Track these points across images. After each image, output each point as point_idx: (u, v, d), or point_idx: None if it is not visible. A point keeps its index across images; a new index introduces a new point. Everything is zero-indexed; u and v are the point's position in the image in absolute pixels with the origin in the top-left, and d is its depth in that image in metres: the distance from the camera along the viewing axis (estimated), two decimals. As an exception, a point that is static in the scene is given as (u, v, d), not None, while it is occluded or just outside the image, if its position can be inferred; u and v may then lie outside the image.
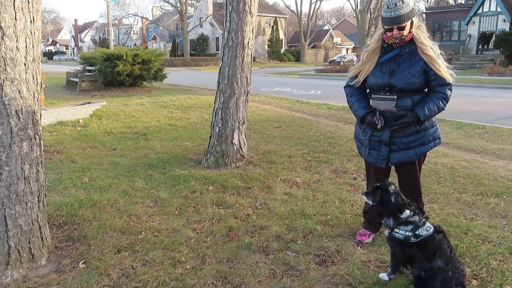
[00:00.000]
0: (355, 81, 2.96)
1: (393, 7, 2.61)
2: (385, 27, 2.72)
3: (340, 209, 3.74)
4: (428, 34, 2.81)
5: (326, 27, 66.35)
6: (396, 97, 2.76)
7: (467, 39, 28.22)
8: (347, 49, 61.53)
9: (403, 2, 2.60)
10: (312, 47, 54.94)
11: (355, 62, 3.17)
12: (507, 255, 2.89)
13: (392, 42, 2.78)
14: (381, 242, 3.10)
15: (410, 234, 2.43)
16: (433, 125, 2.90)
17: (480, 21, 27.88)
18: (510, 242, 3.06)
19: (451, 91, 2.79)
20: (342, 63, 35.51)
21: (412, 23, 2.70)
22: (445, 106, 2.80)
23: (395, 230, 2.49)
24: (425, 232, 2.41)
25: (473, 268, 2.73)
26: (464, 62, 25.25)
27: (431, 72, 2.74)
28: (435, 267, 2.33)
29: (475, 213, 3.64)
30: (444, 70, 2.72)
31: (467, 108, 10.23)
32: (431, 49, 2.71)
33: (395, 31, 2.68)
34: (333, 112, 9.62)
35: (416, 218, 2.47)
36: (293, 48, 56.23)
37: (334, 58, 42.05)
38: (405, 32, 2.69)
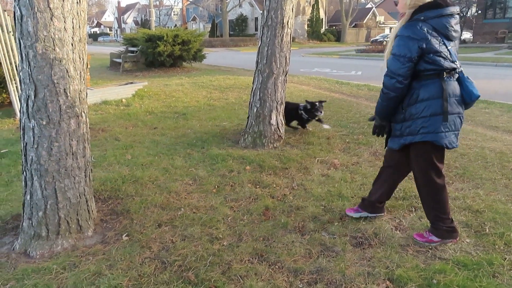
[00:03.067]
0: None
1: None
2: None
3: (378, 192, 3.67)
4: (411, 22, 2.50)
5: (368, 5, 63.94)
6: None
7: (523, 16, 26.37)
8: (390, 28, 59.18)
9: None
10: (353, 27, 53.30)
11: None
12: (557, 245, 2.75)
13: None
14: (421, 227, 3.04)
15: None
16: (411, 118, 2.61)
17: (538, -4, 25.91)
18: (561, 231, 2.91)
19: (389, 77, 2.55)
20: (384, 42, 34.28)
21: (406, 3, 2.54)
22: (385, 93, 2.60)
23: None
24: None
25: (520, 257, 2.62)
26: (519, 41, 23.65)
27: None
28: None
29: (524, 200, 3.47)
30: (387, 54, 2.59)
31: (519, 90, 9.65)
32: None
33: (395, 3, 2.67)
34: (374, 94, 9.36)
35: None
36: (334, 27, 54.74)
37: (377, 38, 40.60)
38: (398, 7, 2.62)
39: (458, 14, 2.52)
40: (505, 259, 2.61)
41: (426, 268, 2.53)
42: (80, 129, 2.87)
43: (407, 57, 2.47)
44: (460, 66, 2.59)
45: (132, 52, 15.60)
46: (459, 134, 2.67)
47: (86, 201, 3.02)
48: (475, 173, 4.11)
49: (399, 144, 2.73)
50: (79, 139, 2.87)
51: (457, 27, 2.53)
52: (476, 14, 31.99)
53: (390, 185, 3.09)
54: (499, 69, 14.72)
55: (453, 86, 2.56)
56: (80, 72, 2.82)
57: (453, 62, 2.54)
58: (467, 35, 34.30)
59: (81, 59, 2.82)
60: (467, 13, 34.77)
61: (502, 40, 26.70)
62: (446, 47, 2.50)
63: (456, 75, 2.60)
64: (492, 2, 29.70)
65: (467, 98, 2.59)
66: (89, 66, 8.96)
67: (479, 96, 2.60)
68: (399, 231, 3.01)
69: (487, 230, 2.98)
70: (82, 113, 2.88)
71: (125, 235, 2.99)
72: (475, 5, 31.77)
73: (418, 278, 2.43)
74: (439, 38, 2.47)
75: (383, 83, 2.61)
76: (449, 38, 2.51)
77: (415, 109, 2.58)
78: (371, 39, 42.29)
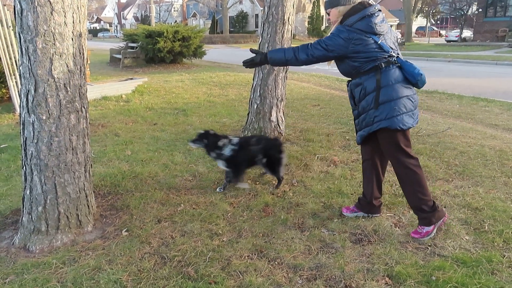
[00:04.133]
0: None
1: None
2: None
3: (378, 189, 3.67)
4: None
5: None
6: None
7: (524, 14, 26.31)
8: (391, 26, 58.96)
9: None
10: (353, 24, 53.10)
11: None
12: (556, 243, 2.76)
13: None
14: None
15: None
16: (364, 111, 2.84)
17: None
18: (560, 229, 2.91)
19: (307, 47, 2.84)
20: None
21: (339, 11, 2.80)
22: (290, 54, 2.89)
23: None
24: None
25: (519, 255, 2.63)
26: (519, 39, 23.63)
27: None
28: None
29: (523, 198, 3.48)
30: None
31: (519, 89, 9.65)
32: None
33: (327, 15, 2.89)
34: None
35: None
36: (334, 25, 54.58)
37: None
38: (331, 17, 2.87)
39: (379, 10, 2.75)
40: (504, 256, 2.61)
41: (425, 265, 2.54)
42: (80, 124, 2.86)
43: (322, 46, 2.77)
44: (397, 54, 2.79)
45: (132, 48, 15.57)
46: (417, 114, 2.83)
47: (86, 196, 3.01)
48: (474, 170, 4.11)
49: (361, 136, 2.94)
50: (79, 134, 2.87)
51: (382, 22, 2.74)
52: (476, 12, 31.92)
53: (377, 177, 3.14)
54: (500, 68, 14.71)
55: (394, 73, 2.74)
56: (80, 67, 2.82)
57: (387, 52, 2.72)
58: (467, 33, 34.20)
59: (81, 54, 2.81)
60: (467, 11, 34.73)
61: (503, 38, 26.63)
62: (376, 42, 2.69)
63: (396, 63, 2.76)
64: (493, 1, 29.65)
65: (412, 79, 2.77)
66: (89, 62, 8.94)
67: (421, 74, 2.75)
68: (398, 228, 3.02)
69: (486, 227, 2.99)
70: (82, 108, 2.88)
71: (124, 230, 2.99)
72: (476, 3, 31.70)
73: (417, 274, 2.44)
74: (367, 36, 2.68)
75: (295, 48, 2.90)
76: (377, 34, 2.70)
77: (365, 103, 2.81)
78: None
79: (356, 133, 3.03)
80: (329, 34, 2.82)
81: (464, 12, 34.15)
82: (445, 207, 3.33)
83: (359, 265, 2.55)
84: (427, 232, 2.88)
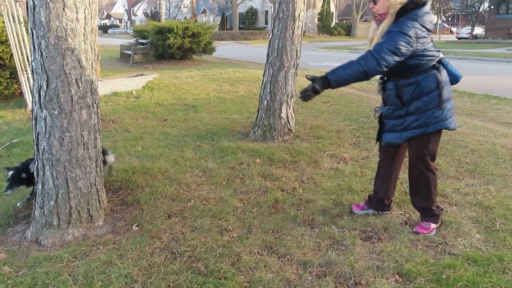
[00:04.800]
0: None
1: None
2: None
3: (388, 186, 3.65)
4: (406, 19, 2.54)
5: (380, -1, 63.15)
6: (381, 81, 2.82)
7: (537, 11, 25.84)
8: (401, 23, 58.36)
9: None
10: (364, 21, 52.70)
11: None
12: None
13: (374, 16, 2.74)
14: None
15: None
16: (418, 112, 2.68)
17: (554, -9, 25.37)
18: None
19: (373, 57, 2.49)
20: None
21: (391, 3, 2.55)
22: (360, 68, 2.52)
23: None
24: None
25: (532, 255, 2.60)
26: (532, 36, 23.23)
27: None
28: None
29: (536, 197, 3.43)
30: (381, 40, 2.56)
31: (533, 86, 9.50)
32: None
33: (371, 4, 2.65)
34: (384, 88, 9.28)
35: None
36: (344, 21, 54.27)
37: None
38: (378, 5, 2.62)
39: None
40: (517, 255, 2.59)
41: (436, 263, 2.52)
42: (91, 119, 2.89)
43: (392, 50, 2.47)
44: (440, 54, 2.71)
45: (142, 44, 15.63)
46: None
47: (97, 191, 3.04)
48: (486, 169, 4.07)
49: (404, 138, 2.80)
50: (91, 130, 2.89)
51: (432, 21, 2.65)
52: (488, 9, 31.43)
53: (395, 177, 3.12)
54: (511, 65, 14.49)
55: (445, 73, 2.70)
56: (92, 63, 2.83)
57: (438, 51, 2.66)
58: (479, 30, 33.70)
59: (93, 49, 2.83)
60: (479, 8, 34.21)
61: (516, 36, 26.22)
62: (431, 40, 2.62)
63: (442, 63, 2.71)
64: (506, -4, 29.20)
65: (454, 81, 2.76)
66: (99, 58, 9.00)
67: (461, 76, 2.79)
68: (408, 225, 2.99)
69: (498, 226, 2.95)
70: (94, 103, 2.90)
71: (135, 225, 3.01)
72: (488, 0, 31.22)
73: (427, 272, 2.42)
74: (426, 33, 2.56)
75: (364, 59, 2.53)
76: (430, 31, 2.61)
77: (422, 103, 2.67)
78: (382, 34, 41.73)
79: (384, 133, 2.91)
80: (380, 33, 2.59)
81: (475, 9, 33.65)
82: (455, 206, 3.30)
83: (369, 263, 2.55)
84: (434, 229, 2.92)
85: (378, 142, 3.10)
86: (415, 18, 2.51)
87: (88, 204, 2.96)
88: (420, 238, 2.82)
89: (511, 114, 6.60)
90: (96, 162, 2.99)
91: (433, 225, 2.92)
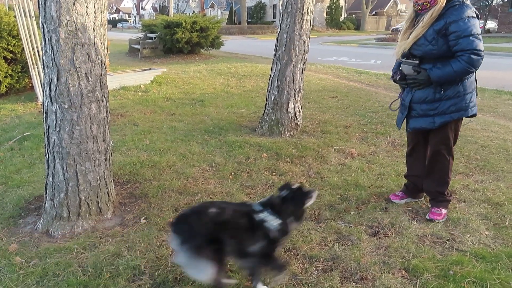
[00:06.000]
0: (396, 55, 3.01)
1: None
2: None
3: (396, 182, 3.64)
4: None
5: (390, -7, 62.52)
6: (417, 62, 2.78)
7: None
8: (412, 17, 57.57)
9: None
10: (373, 15, 52.23)
11: None
12: None
13: (416, 8, 2.76)
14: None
15: None
16: (458, 95, 2.75)
17: None
18: None
19: (477, 55, 2.57)
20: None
21: None
22: (467, 70, 2.61)
23: None
24: None
25: (540, 251, 2.58)
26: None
27: (451, 36, 2.60)
28: None
29: (546, 194, 3.40)
30: (466, 33, 2.57)
31: (545, 82, 9.35)
32: (453, 14, 2.59)
33: None
34: (393, 83, 9.18)
35: None
36: (353, 15, 53.72)
37: (397, 27, 39.53)
38: None
39: None
40: (525, 252, 2.57)
41: (443, 259, 2.52)
42: (100, 113, 2.91)
43: (480, 35, 2.61)
44: None
45: (151, 38, 15.67)
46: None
47: (106, 184, 3.08)
48: (496, 165, 4.03)
49: (438, 123, 2.82)
50: (100, 123, 2.92)
51: None
52: (501, 2, 30.91)
53: (425, 160, 3.17)
54: (524, 60, 14.27)
55: None
56: (101, 57, 2.86)
57: None
58: (491, 24, 33.20)
59: (102, 44, 2.85)
60: (492, 1, 33.67)
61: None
62: None
63: None
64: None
65: None
66: (108, 52, 9.04)
67: None
68: (416, 221, 2.99)
69: (507, 223, 2.94)
70: (103, 97, 2.92)
71: (143, 218, 3.05)
72: (501, -7, 30.74)
73: (434, 268, 2.42)
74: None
75: (469, 61, 2.59)
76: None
77: (462, 87, 2.73)
78: (392, 28, 41.31)
79: (412, 119, 2.95)
80: (430, 19, 2.63)
81: (488, 3, 33.14)
82: (464, 202, 3.28)
83: (375, 258, 2.55)
84: (445, 214, 3.01)
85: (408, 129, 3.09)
86: (469, 3, 2.61)
87: (97, 197, 3.00)
88: (427, 234, 2.82)
89: (522, 109, 6.52)
90: (105, 156, 3.02)
91: (444, 211, 3.01)
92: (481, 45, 2.58)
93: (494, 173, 3.85)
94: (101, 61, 2.86)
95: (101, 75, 2.88)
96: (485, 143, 4.69)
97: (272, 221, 2.14)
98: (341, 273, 2.41)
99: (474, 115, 2.86)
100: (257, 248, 2.10)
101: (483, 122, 5.64)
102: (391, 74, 3.13)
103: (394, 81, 3.02)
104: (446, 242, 2.72)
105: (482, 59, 2.61)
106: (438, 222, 2.95)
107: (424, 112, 2.85)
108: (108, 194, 3.11)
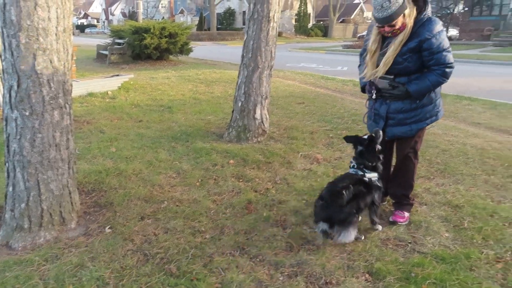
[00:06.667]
0: (362, 74, 3.07)
1: (380, 9, 2.65)
2: (377, 24, 2.79)
3: (360, 186, 3.73)
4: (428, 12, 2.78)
5: (356, 1, 64.12)
6: (392, 77, 2.88)
7: (510, 13, 26.49)
8: (378, 25, 59.10)
9: (390, 1, 2.62)
10: (341, 22, 53.36)
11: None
12: (532, 239, 2.85)
13: (386, 34, 2.86)
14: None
15: None
16: (431, 102, 2.93)
17: (525, -6, 26.17)
18: (535, 226, 3.01)
19: (449, 68, 2.76)
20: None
21: (404, 15, 2.69)
22: (442, 82, 2.81)
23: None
24: None
25: (497, 251, 2.71)
26: (504, 38, 23.79)
27: (425, 52, 2.74)
28: None
29: (503, 196, 3.57)
30: (439, 49, 2.72)
31: (503, 87, 9.82)
32: (425, 32, 2.71)
33: (387, 28, 2.75)
34: (359, 89, 9.39)
35: None
36: (321, 22, 54.68)
37: (364, 34, 40.73)
38: (397, 26, 2.72)
39: None
40: (482, 253, 2.69)
41: (405, 262, 2.60)
42: (63, 120, 2.85)
43: (450, 47, 2.77)
44: None
45: (119, 44, 15.41)
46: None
47: (70, 193, 3.00)
48: (456, 168, 4.20)
49: (415, 130, 2.96)
50: (63, 131, 2.85)
51: None
52: (462, 11, 32.33)
53: (389, 167, 3.32)
54: (484, 67, 14.94)
55: None
56: (64, 63, 2.80)
57: None
58: (453, 32, 34.59)
59: (65, 49, 2.79)
60: (454, 10, 35.13)
61: (488, 37, 26.96)
62: None
63: None
64: (479, 0, 30.07)
65: None
66: (75, 58, 8.82)
67: None
68: (379, 225, 3.06)
69: (466, 224, 3.06)
70: (66, 104, 2.86)
71: (108, 227, 2.99)
72: (462, 2, 32.11)
73: (397, 271, 2.49)
74: None
75: (443, 74, 2.77)
76: None
77: (434, 94, 2.92)
78: (358, 35, 42.40)
79: (388, 127, 3.01)
80: (400, 42, 2.72)
81: (450, 11, 34.52)
82: (426, 205, 3.40)
83: (339, 262, 2.60)
84: (408, 217, 3.12)
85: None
86: (430, 14, 2.75)
87: (60, 207, 2.92)
88: (390, 237, 2.90)
89: (482, 114, 6.82)
90: (68, 164, 2.95)
91: (407, 214, 3.13)
92: (452, 58, 2.76)
93: (454, 176, 4.01)
94: (64, 67, 2.80)
95: (64, 81, 2.82)
96: (445, 147, 4.88)
97: (374, 177, 2.86)
98: (306, 278, 2.45)
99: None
100: (376, 197, 2.86)
101: (444, 127, 5.87)
102: (360, 86, 3.22)
103: (370, 95, 3.06)
104: (408, 245, 2.81)
105: (452, 70, 2.79)
106: (400, 225, 3.05)
107: (401, 121, 2.96)
108: (71, 203, 3.04)
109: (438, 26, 2.71)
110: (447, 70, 2.75)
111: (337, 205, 2.64)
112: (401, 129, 2.97)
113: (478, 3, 30.04)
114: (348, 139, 3.04)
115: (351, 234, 2.67)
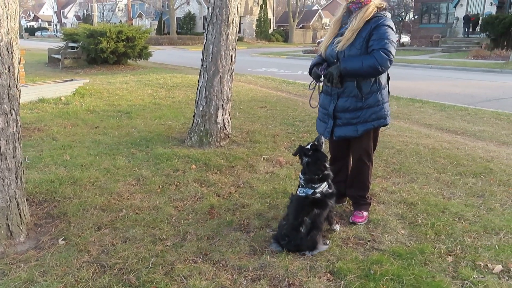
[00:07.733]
0: (319, 51, 3.18)
1: None
2: None
3: (321, 188, 3.77)
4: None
5: (315, 8, 65.57)
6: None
7: (455, 22, 28.16)
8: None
9: None
10: (300, 28, 54.38)
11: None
12: (481, 233, 2.98)
13: (349, 2, 2.91)
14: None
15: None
16: (378, 104, 2.97)
17: (468, 4, 27.80)
18: (485, 220, 3.15)
19: (386, 55, 2.74)
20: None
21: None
22: (374, 66, 2.77)
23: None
24: None
25: (448, 245, 2.81)
26: (451, 45, 25.34)
27: (371, 41, 2.82)
28: None
29: (453, 192, 3.72)
30: (383, 37, 2.79)
31: (451, 91, 10.34)
32: (376, 22, 2.82)
33: None
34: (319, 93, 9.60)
35: None
36: (282, 28, 55.52)
37: (322, 39, 41.57)
38: None
39: None
40: (435, 247, 2.78)
41: (365, 260, 2.64)
42: (9, 127, 2.69)
43: (394, 42, 2.82)
44: None
45: (73, 48, 14.86)
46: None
47: (18, 205, 2.83)
48: (410, 168, 4.34)
49: (361, 131, 2.97)
50: (9, 139, 2.69)
51: None
52: (413, 19, 33.91)
53: (347, 169, 3.39)
54: (434, 71, 15.71)
55: None
56: (9, 67, 2.64)
57: None
58: (405, 38, 36.19)
59: (9, 52, 2.64)
60: (405, 17, 36.75)
61: (437, 44, 28.41)
62: None
63: None
64: (427, 8, 31.69)
65: None
66: (23, 62, 8.42)
67: None
68: (340, 224, 3.11)
69: (420, 221, 3.16)
70: (12, 110, 2.70)
71: (61, 239, 2.84)
72: (412, 10, 33.67)
73: (357, 269, 2.53)
74: None
75: (377, 57, 2.75)
76: None
77: (381, 96, 2.97)
78: (318, 41, 43.30)
79: (336, 127, 3.04)
80: (362, 18, 2.80)
81: (402, 18, 36.07)
82: (383, 204, 3.48)
83: (302, 263, 2.60)
84: (366, 216, 3.18)
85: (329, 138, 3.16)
86: (387, 15, 2.87)
87: (7, 219, 2.74)
88: (350, 236, 2.94)
89: (432, 116, 7.12)
90: (16, 174, 2.78)
91: (365, 213, 3.19)
92: (392, 49, 2.76)
93: (408, 175, 4.14)
94: (9, 71, 2.64)
95: (9, 86, 2.66)
96: (400, 147, 5.04)
97: (325, 188, 2.84)
98: (270, 281, 2.43)
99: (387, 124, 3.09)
100: (331, 203, 2.89)
101: (399, 128, 6.07)
102: (310, 68, 3.25)
103: (317, 77, 3.12)
104: (367, 243, 2.86)
105: (391, 63, 2.78)
106: (360, 224, 3.10)
107: (348, 121, 2.99)
108: (20, 215, 2.86)
109: (390, 23, 2.83)
110: (383, 54, 2.73)
111: (300, 239, 2.70)
112: (347, 129, 3.01)
113: (427, 12, 31.68)
114: (294, 153, 3.01)
115: (320, 248, 2.75)
